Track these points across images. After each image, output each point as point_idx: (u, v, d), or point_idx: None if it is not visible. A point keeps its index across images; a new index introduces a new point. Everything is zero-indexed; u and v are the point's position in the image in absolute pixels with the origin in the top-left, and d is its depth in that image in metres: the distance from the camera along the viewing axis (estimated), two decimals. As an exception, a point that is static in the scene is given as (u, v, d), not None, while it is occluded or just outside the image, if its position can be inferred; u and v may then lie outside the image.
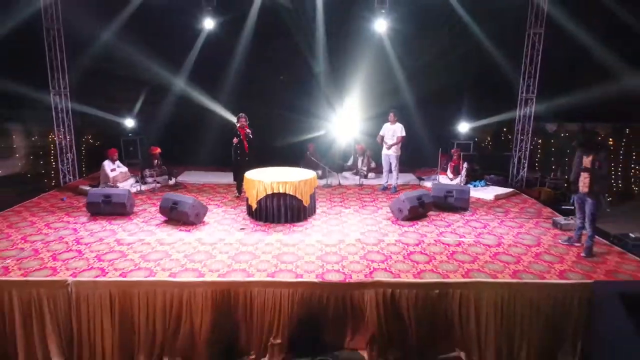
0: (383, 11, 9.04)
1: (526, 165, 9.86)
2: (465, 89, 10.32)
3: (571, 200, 5.98)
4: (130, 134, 10.34)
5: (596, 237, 5.94)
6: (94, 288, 4.58)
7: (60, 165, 9.76)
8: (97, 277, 4.66)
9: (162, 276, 4.70)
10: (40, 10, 8.77)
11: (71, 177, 9.74)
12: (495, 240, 5.90)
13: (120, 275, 4.71)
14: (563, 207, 9.36)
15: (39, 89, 9.63)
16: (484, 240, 5.90)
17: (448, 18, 9.28)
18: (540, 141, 11.60)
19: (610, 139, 12.58)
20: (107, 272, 4.76)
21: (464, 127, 10.11)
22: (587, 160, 5.40)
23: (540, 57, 9.25)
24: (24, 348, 4.61)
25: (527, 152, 9.82)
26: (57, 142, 9.64)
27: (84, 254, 5.25)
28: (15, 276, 4.66)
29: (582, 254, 5.43)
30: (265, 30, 9.69)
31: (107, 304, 4.58)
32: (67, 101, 9.48)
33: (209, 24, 9.19)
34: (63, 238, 5.77)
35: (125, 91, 10.28)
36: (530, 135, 9.75)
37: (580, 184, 5.51)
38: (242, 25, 9.52)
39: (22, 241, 5.65)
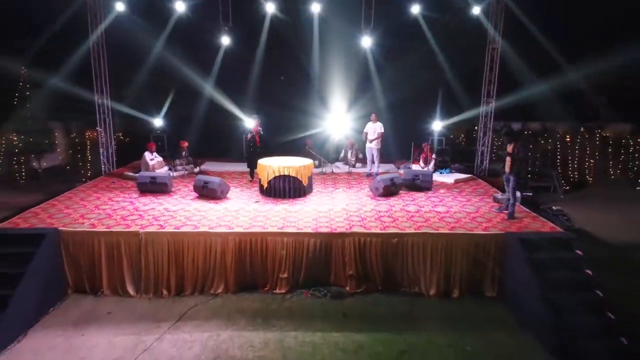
0: (368, 30, 11.04)
1: (487, 157, 11.86)
2: (439, 93, 12.32)
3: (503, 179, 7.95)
4: (158, 131, 12.32)
5: (521, 205, 7.93)
6: (156, 237, 6.58)
7: (101, 157, 11.75)
8: (158, 228, 6.68)
9: (203, 229, 6.71)
10: (86, 24, 10.74)
11: (110, 167, 11.74)
12: (445, 209, 7.91)
13: (175, 228, 6.72)
14: (524, 193, 11.39)
15: (82, 91, 11.66)
16: (436, 209, 7.91)
17: (421, 36, 11.28)
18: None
19: (567, 136, 14.63)
20: (164, 227, 6.77)
21: (437, 125, 12.09)
22: (509, 147, 7.38)
23: (497, 67, 11.26)
24: (107, 279, 6.62)
25: (489, 146, 11.82)
26: (99, 137, 11.62)
27: (143, 217, 7.25)
28: (101, 229, 6.67)
29: (506, 217, 7.41)
30: (270, 42, 11.68)
31: (165, 248, 6.58)
32: (108, 103, 11.46)
33: (225, 40, 11.20)
34: (125, 207, 7.78)
35: (154, 95, 12.26)
36: (491, 131, 11.76)
37: (506, 166, 7.48)
38: (252, 40, 11.52)
39: (96, 209, 7.66)
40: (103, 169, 11.72)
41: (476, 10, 10.37)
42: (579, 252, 6.29)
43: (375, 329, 5.88)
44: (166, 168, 10.00)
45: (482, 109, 11.59)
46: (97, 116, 11.47)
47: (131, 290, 6.61)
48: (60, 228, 6.57)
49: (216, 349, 5.41)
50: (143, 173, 8.76)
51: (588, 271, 6.01)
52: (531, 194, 12.15)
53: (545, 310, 5.49)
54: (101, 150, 11.48)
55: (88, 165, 13.90)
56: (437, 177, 9.88)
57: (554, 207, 8.97)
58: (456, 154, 12.41)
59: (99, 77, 11.13)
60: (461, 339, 5.69)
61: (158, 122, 12.03)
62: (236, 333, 5.74)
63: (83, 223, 6.85)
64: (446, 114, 12.25)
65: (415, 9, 10.75)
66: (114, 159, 12.03)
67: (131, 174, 9.86)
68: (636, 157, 14.55)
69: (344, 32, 11.28)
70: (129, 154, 12.64)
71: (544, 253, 6.19)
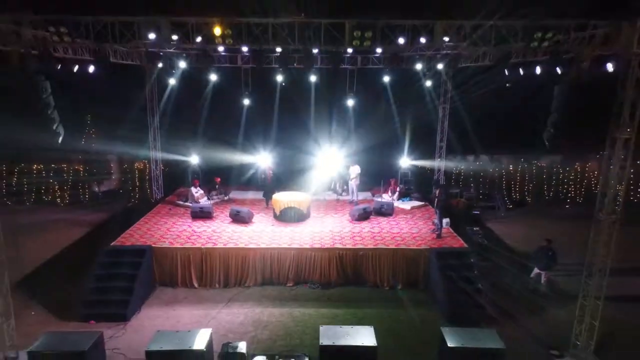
0: (351, 94, 15.03)
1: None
2: (406, 138, 16.29)
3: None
4: (196, 167, 16.20)
5: (450, 228, 11.87)
6: (212, 250, 10.56)
7: (153, 186, 15.73)
8: (212, 245, 10.65)
9: (240, 245, 10.68)
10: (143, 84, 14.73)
11: (160, 194, 15.74)
12: (397, 230, 11.88)
13: (223, 244, 10.70)
14: (474, 212, 15.38)
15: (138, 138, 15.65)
16: (392, 230, 11.87)
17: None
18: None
19: (511, 166, 18.58)
20: (216, 244, 10.75)
21: (405, 161, 16.05)
22: (436, 192, 11.35)
23: (447, 122, 15.24)
24: (180, 277, 10.58)
25: (442, 178, 15.80)
26: (152, 170, 15.61)
27: (201, 236, 11.23)
28: (176, 246, 10.65)
29: (435, 237, 11.36)
30: (280, 102, 15.65)
31: (217, 257, 10.54)
32: (159, 144, 15.44)
33: (246, 101, 15.20)
34: (185, 230, 11.76)
35: (191, 139, 16.23)
36: (443, 169, 15.76)
37: (435, 203, 11.44)
38: (267, 101, 15.51)
39: (167, 231, 11.64)
40: (155, 194, 15.72)
41: (428, 83, 14.31)
42: (472, 260, 10.25)
43: (347, 306, 9.86)
44: (205, 198, 13.96)
45: (437, 153, 15.59)
46: (150, 154, 15.47)
47: (196, 284, 10.59)
48: (152, 245, 10.56)
49: (253, 317, 9.39)
50: (193, 205, 12.75)
51: (475, 272, 9.97)
52: (479, 212, 16.16)
53: (445, 295, 9.45)
54: (153, 181, 15.48)
55: (137, 189, 17.93)
56: (399, 204, 13.86)
57: (474, 228, 12.92)
58: (421, 184, 16.31)
59: (152, 127, 15.13)
60: (398, 311, 9.67)
61: (194, 159, 15.96)
62: (264, 309, 9.72)
63: (164, 241, 10.84)
64: (415, 153, 16.22)
65: (386, 79, 14.67)
66: (162, 186, 16.06)
67: (181, 202, 13.84)
68: (565, 182, 18.52)
69: (334, 94, 15.26)
70: (170, 180, 16.64)
71: (450, 261, 10.15)
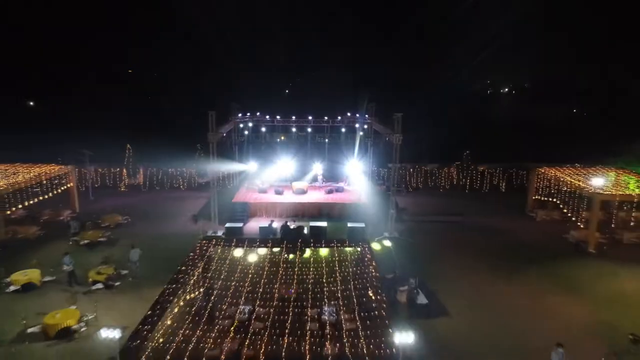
0: (327, 139, 32.47)
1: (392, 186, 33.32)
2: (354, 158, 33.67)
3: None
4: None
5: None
6: (274, 203, 28.03)
7: (234, 181, 33.17)
8: (275, 201, 28.14)
9: (281, 201, 28.14)
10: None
11: (235, 183, 33.21)
12: (342, 198, 29.33)
13: (274, 200, 28.23)
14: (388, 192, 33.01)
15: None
16: (340, 197, 29.33)
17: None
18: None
19: (411, 169, 36.17)
20: (272, 200, 28.23)
21: (354, 165, 33.43)
22: (380, 185, 28.76)
23: (372, 149, 32.69)
24: (258, 213, 28.05)
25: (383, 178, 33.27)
26: (234, 174, 33.06)
27: (269, 199, 28.69)
28: (260, 201, 28.13)
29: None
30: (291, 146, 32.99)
31: (272, 205, 28.00)
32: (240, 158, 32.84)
33: (278, 141, 32.65)
34: (260, 197, 29.22)
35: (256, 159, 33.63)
36: (382, 173, 33.22)
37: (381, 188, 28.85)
38: (283, 146, 32.93)
39: (252, 195, 29.13)
40: (234, 183, 33.17)
41: (360, 132, 31.65)
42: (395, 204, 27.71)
43: (316, 220, 27.40)
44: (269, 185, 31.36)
45: (370, 162, 33.07)
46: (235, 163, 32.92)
47: (265, 216, 28.03)
48: (249, 202, 28.03)
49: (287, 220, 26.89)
50: (274, 187, 30.31)
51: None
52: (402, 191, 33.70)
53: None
54: (234, 177, 32.95)
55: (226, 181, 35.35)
56: (347, 188, 31.20)
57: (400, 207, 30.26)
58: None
59: (237, 154, 32.56)
60: (337, 224, 27.19)
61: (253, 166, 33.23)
62: (291, 221, 27.22)
63: (254, 200, 28.35)
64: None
65: (343, 130, 31.99)
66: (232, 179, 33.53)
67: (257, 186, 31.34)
68: (438, 177, 36.02)
69: (320, 141, 32.71)
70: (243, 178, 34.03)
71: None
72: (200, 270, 16.69)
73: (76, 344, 14.51)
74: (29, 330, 14.85)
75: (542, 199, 28.43)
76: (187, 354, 11.92)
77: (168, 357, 11.74)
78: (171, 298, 13.93)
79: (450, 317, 16.69)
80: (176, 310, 14.41)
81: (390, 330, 12.43)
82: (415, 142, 33.47)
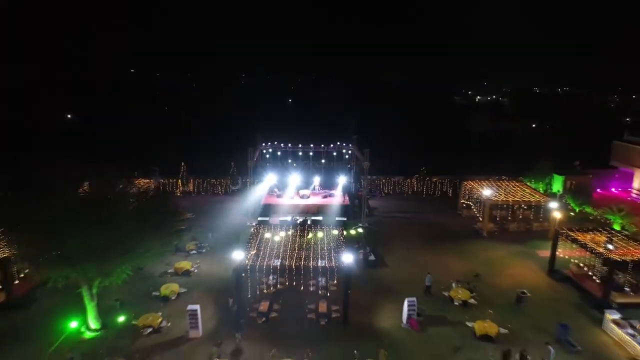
0: (323, 161, 46.62)
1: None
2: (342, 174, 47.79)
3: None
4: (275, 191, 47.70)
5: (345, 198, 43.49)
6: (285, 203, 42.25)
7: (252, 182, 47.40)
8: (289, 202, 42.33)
9: (293, 203, 42.31)
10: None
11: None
12: (334, 201, 43.52)
13: (289, 203, 42.42)
14: (367, 196, 47.50)
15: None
16: (332, 201, 43.50)
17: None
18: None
19: (384, 180, 50.46)
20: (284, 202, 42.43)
21: (342, 179, 47.56)
22: (360, 191, 42.87)
23: (354, 169, 46.79)
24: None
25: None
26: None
27: (281, 197, 42.91)
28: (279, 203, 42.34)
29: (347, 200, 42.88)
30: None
31: (288, 206, 42.21)
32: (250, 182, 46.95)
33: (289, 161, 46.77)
34: (276, 199, 43.42)
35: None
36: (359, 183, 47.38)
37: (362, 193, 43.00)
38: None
39: (272, 199, 43.34)
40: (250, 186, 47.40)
41: (346, 156, 45.68)
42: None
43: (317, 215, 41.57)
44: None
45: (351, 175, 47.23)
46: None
47: (281, 218, 42.18)
48: (269, 202, 42.26)
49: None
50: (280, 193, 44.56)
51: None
52: (369, 196, 47.97)
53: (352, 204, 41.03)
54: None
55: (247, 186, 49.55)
56: (339, 194, 45.24)
57: (369, 202, 44.19)
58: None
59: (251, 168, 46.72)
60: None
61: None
62: (301, 217, 41.40)
63: (274, 200, 42.58)
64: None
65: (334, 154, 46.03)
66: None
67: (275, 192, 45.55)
68: (405, 185, 50.17)
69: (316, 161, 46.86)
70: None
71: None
72: (256, 241, 30.73)
73: (193, 277, 28.76)
74: (169, 270, 29.10)
75: (465, 202, 42.54)
76: (259, 264, 25.89)
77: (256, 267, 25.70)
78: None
79: (387, 268, 30.89)
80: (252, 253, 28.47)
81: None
82: (386, 160, 47.73)
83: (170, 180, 49.18)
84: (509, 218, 38.08)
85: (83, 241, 19.77)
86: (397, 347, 21.79)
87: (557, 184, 48.63)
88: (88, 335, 22.63)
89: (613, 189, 51.24)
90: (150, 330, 22.77)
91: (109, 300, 24.49)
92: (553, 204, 36.61)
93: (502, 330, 22.79)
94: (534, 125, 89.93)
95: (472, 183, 42.10)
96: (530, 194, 39.52)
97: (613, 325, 23.03)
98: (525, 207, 38.35)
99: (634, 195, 48.41)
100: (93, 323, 22.90)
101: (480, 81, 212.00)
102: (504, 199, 37.70)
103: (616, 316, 23.36)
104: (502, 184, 42.58)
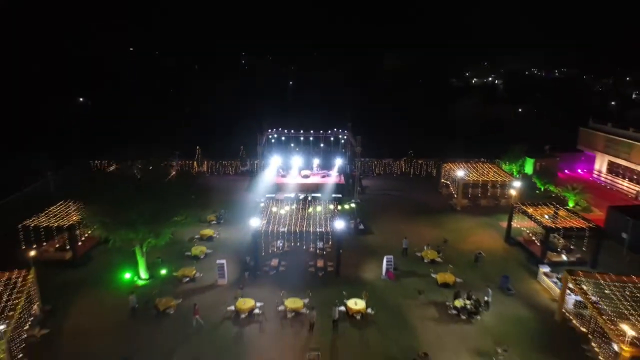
0: (320, 146, 52.95)
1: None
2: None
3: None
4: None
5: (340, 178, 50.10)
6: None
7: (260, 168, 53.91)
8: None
9: (298, 181, 48.91)
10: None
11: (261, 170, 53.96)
12: (331, 180, 50.08)
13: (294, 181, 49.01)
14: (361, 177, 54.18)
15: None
16: (328, 180, 50.06)
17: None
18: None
19: (375, 162, 57.01)
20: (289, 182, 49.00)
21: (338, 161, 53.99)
22: (354, 173, 49.39)
23: (349, 153, 53.19)
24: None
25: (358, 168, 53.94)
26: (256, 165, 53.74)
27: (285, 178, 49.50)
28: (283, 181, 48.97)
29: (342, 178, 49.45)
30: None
31: (295, 185, 48.78)
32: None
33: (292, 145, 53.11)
34: (280, 179, 49.99)
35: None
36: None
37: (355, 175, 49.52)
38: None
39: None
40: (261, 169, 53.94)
41: (342, 140, 51.97)
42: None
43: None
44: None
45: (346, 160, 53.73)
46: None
47: (285, 195, 48.82)
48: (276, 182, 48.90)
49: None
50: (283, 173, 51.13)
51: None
52: (362, 177, 54.60)
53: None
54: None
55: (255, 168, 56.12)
56: (335, 174, 51.76)
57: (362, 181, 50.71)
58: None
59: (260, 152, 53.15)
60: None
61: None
62: (302, 194, 48.10)
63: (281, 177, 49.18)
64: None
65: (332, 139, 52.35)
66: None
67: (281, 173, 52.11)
68: (393, 168, 56.73)
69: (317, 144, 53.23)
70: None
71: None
72: (267, 213, 37.42)
73: (215, 241, 35.65)
74: (195, 236, 35.98)
75: (445, 182, 49.12)
76: (270, 231, 32.62)
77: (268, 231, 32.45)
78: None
79: (373, 235, 37.76)
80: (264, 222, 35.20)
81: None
82: (378, 144, 54.14)
83: (187, 162, 55.67)
84: (479, 195, 44.68)
85: (140, 211, 26.46)
86: (376, 291, 28.70)
87: (529, 166, 55.19)
88: (140, 282, 29.55)
89: (579, 170, 57.75)
90: (187, 279, 29.69)
91: (151, 259, 31.28)
92: (516, 183, 43.21)
93: (458, 280, 29.67)
94: (520, 110, 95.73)
95: (450, 165, 48.60)
96: (498, 174, 46.06)
97: (544, 277, 29.90)
98: (493, 186, 44.92)
99: (594, 176, 54.97)
100: (144, 274, 29.80)
101: (480, 62, 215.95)
102: (475, 178, 44.28)
103: (546, 269, 30.22)
104: (477, 165, 49.09)
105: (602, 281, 24.18)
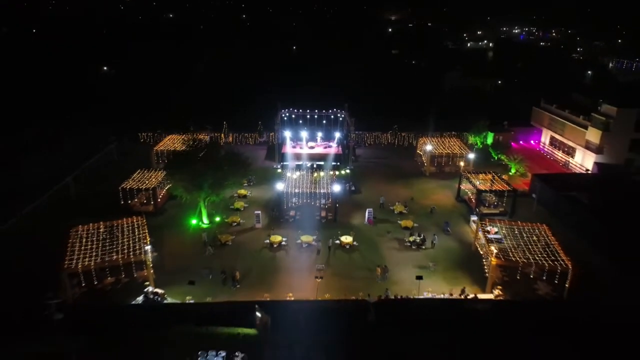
0: (320, 127, 66.54)
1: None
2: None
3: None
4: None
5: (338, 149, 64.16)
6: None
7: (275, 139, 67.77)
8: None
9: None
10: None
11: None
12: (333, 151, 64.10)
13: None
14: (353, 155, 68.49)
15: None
16: (330, 151, 64.10)
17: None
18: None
19: (367, 141, 70.88)
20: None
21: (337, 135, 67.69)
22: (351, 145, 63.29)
23: (349, 129, 66.81)
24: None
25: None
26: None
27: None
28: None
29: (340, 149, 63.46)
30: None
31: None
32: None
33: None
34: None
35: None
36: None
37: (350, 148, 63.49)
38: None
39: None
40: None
41: (340, 118, 65.40)
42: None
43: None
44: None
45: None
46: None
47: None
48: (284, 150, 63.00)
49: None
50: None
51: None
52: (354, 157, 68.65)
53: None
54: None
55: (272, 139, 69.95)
56: (334, 145, 65.61)
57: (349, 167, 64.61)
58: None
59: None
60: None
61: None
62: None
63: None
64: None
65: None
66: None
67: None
68: (381, 139, 70.58)
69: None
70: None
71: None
72: (285, 178, 51.73)
73: (249, 198, 50.48)
74: (234, 195, 50.77)
75: (419, 152, 63.19)
76: (288, 191, 47.20)
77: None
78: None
79: (361, 194, 52.50)
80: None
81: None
82: (370, 118, 67.78)
83: (216, 134, 69.47)
84: (443, 164, 58.97)
85: (207, 178, 41.00)
86: (360, 231, 43.65)
87: (490, 139, 69.03)
88: (204, 226, 44.48)
89: (532, 142, 71.55)
90: (235, 224, 44.63)
91: (209, 211, 46.05)
92: (470, 155, 57.38)
93: (416, 225, 44.55)
94: (499, 82, 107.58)
95: (424, 139, 62.49)
96: (459, 147, 60.08)
97: (472, 223, 44.73)
98: (454, 157, 59.03)
99: (541, 147, 68.91)
100: (206, 220, 44.71)
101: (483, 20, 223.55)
102: (440, 151, 58.40)
103: (475, 218, 45.01)
104: (445, 139, 62.77)
105: (500, 224, 39.01)
